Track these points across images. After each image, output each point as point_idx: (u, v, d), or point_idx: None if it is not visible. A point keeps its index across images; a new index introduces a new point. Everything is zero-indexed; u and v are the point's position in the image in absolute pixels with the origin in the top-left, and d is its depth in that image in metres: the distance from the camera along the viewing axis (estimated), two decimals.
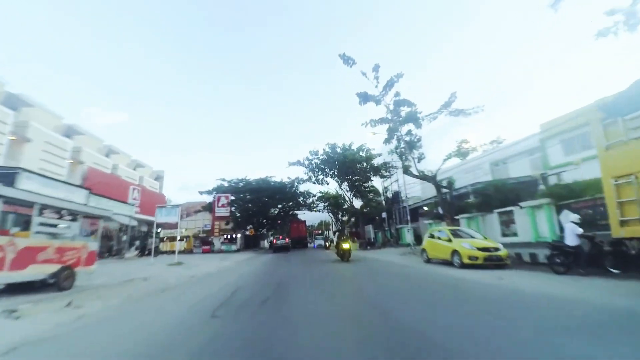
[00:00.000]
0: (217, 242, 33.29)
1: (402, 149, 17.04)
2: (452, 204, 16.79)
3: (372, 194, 43.24)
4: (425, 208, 29.20)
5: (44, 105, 23.31)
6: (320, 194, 48.37)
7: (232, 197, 35.65)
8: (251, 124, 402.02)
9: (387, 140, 17.30)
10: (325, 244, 27.11)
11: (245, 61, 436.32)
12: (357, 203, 37.73)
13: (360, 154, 28.55)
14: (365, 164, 29.20)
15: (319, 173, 32.64)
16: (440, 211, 17.02)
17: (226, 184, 38.40)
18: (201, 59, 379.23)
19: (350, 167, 29.20)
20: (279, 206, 41.38)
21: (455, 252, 10.51)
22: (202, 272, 12.21)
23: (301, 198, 42.00)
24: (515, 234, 13.46)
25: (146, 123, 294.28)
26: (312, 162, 31.26)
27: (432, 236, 13.07)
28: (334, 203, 49.38)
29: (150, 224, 32.70)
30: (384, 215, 35.36)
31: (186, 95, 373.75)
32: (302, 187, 43.24)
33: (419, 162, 16.69)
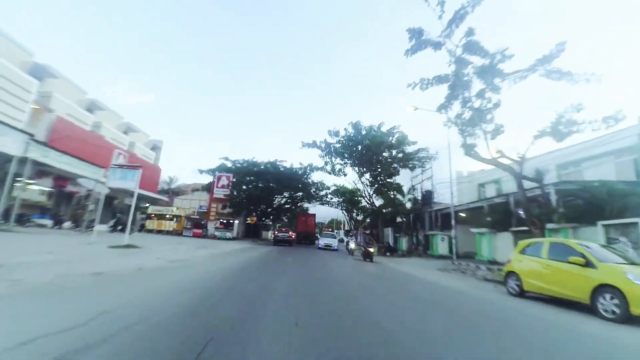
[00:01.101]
0: (211, 227, 28.91)
1: (465, 121, 11.79)
2: (547, 206, 11.44)
3: (395, 192, 37.94)
4: (463, 214, 23.77)
5: (68, 78, 21.65)
6: (335, 188, 43.41)
7: (234, 180, 31.14)
8: (270, 107, 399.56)
9: (443, 107, 12.13)
10: (349, 248, 21.99)
11: (265, 38, 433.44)
12: (376, 202, 32.50)
13: (390, 139, 23.25)
14: (393, 152, 23.89)
15: (337, 159, 27.62)
16: (522, 215, 11.71)
17: (229, 164, 33.99)
18: (218, 42, 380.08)
19: (375, 153, 24.03)
20: (286, 195, 36.63)
21: (603, 290, 5.31)
22: (131, 266, 7.56)
23: (313, 189, 37.07)
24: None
25: (167, 103, 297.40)
26: (330, 145, 26.22)
27: (524, 252, 7.92)
28: (349, 199, 44.29)
29: (138, 197, 28.82)
30: (407, 217, 30.06)
31: (201, 77, 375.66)
32: (316, 177, 38.52)
33: (492, 138, 11.39)
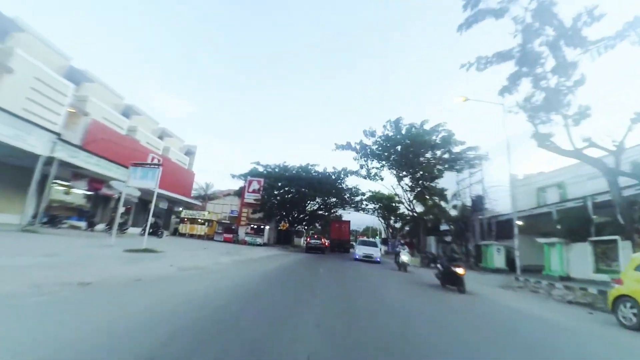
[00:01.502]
0: (242, 232, 28.24)
1: (537, 105, 9.53)
2: None
3: (438, 198, 34.96)
4: (520, 222, 20.63)
5: (105, 83, 22.56)
6: (371, 193, 41.25)
7: (266, 185, 30.38)
8: (304, 109, 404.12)
9: (507, 90, 9.99)
10: (400, 261, 15.53)
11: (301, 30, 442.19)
12: (416, 208, 29.92)
13: (434, 138, 20.92)
14: (438, 153, 21.50)
15: (373, 162, 25.69)
16: (620, 221, 9.17)
17: (261, 169, 33.41)
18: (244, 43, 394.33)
19: (416, 154, 21.82)
20: (318, 200, 35.19)
21: None
22: (130, 274, 6.45)
23: (347, 194, 35.31)
24: None
25: (205, 112, 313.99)
26: (366, 147, 24.43)
27: None
28: (386, 205, 41.85)
29: (172, 201, 29.05)
30: (456, 225, 27.29)
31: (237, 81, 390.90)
32: (350, 182, 36.74)
33: (575, 124, 9.02)
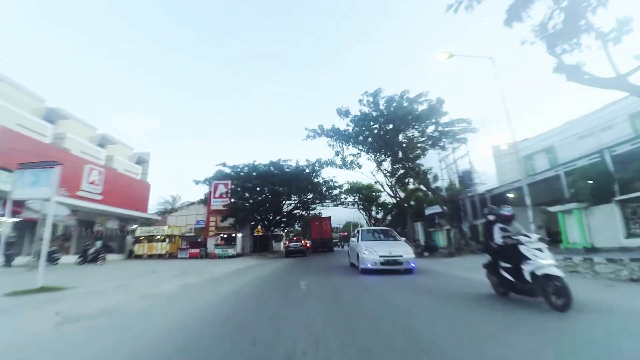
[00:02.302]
0: (211, 244, 24.75)
1: (557, 31, 7.27)
2: None
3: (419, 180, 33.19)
4: (511, 195, 19.06)
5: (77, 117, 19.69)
6: (349, 185, 38.96)
7: (233, 186, 27.00)
8: (271, 107, 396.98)
9: (516, 13, 7.66)
10: None
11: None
12: (401, 194, 27.90)
13: (417, 108, 18.57)
14: (421, 128, 19.32)
15: (349, 146, 23.17)
16: None
17: (228, 171, 29.93)
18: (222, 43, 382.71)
19: (397, 131, 19.53)
20: (294, 198, 32.32)
21: None
22: None
23: (324, 188, 32.66)
24: None
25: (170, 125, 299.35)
26: (340, 131, 21.85)
27: None
28: (366, 196, 39.73)
29: (124, 218, 24.92)
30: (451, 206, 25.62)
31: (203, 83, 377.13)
32: (326, 174, 34.15)
33: (616, 42, 6.83)
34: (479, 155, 52.74)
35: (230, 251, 23.43)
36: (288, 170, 29.91)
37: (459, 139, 18.72)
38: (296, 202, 35.06)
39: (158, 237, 24.79)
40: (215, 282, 9.36)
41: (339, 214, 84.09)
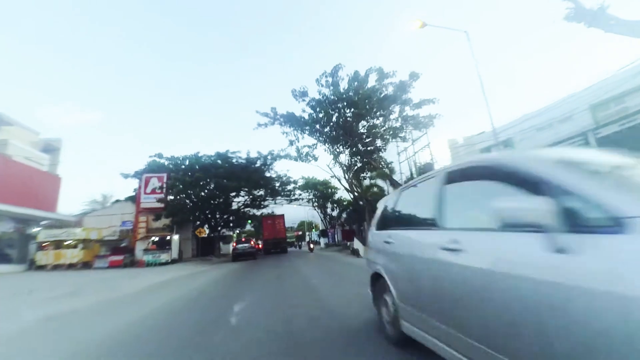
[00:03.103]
0: (141, 249, 20.65)
1: None
2: None
3: (375, 175, 32.08)
4: None
5: None
6: (304, 180, 36.66)
7: (171, 182, 23.02)
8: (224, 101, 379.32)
9: None
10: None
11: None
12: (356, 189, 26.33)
13: (382, 89, 16.74)
14: (384, 112, 17.66)
15: (305, 134, 20.86)
16: None
17: (165, 162, 25.74)
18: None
19: (360, 116, 17.67)
20: (243, 195, 29.19)
21: None
22: None
23: (277, 183, 29.92)
24: None
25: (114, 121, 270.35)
26: (296, 118, 19.43)
27: None
28: (321, 192, 37.80)
29: (20, 219, 19.67)
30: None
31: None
32: (280, 168, 31.44)
33: None
34: (436, 150, 53.92)
35: (164, 257, 19.65)
36: (237, 163, 26.65)
37: (424, 124, 17.37)
38: (246, 199, 31.81)
39: (69, 242, 19.98)
40: (107, 309, 6.33)
41: (293, 213, 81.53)
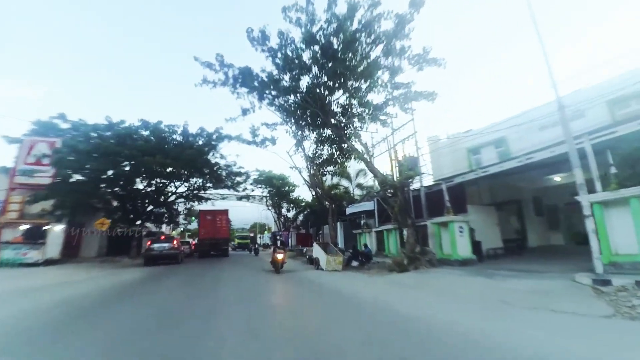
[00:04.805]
0: (11, 240, 13.96)
1: None
2: None
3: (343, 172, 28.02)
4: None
5: None
6: (258, 174, 31.40)
7: (69, 152, 16.40)
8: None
9: None
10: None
11: None
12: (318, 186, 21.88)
13: (371, 23, 12.12)
14: (372, 80, 13.37)
15: (265, 102, 16.00)
16: None
17: (66, 126, 19.03)
18: None
19: (337, 77, 13.22)
20: (176, 184, 23.40)
21: None
22: None
23: (223, 172, 24.41)
24: None
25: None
26: (252, 74, 14.53)
27: None
28: (278, 189, 32.78)
29: None
30: (402, 199, 20.87)
31: None
32: (229, 151, 25.81)
33: None
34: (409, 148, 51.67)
35: (32, 255, 13.27)
36: (169, 138, 20.70)
37: (415, 98, 13.42)
38: (186, 189, 25.71)
39: None
40: None
41: (243, 212, 74.63)
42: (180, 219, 36.65)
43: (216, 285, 8.46)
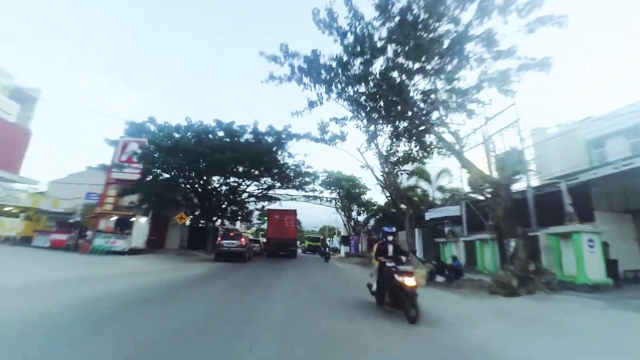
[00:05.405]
0: (95, 230, 15.61)
1: None
2: None
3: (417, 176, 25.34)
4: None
5: None
6: (326, 175, 30.53)
7: (154, 151, 17.85)
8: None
9: None
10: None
11: None
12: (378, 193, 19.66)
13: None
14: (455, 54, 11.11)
15: (333, 93, 14.83)
16: None
17: (153, 128, 20.87)
18: None
19: (419, 55, 11.27)
20: (250, 183, 23.86)
21: None
22: None
23: (291, 171, 24.14)
24: None
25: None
26: (319, 62, 13.52)
27: None
28: (347, 191, 31.43)
29: None
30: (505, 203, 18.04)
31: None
32: (297, 150, 25.58)
33: None
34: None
35: (120, 244, 14.43)
36: (238, 137, 21.03)
37: (518, 71, 10.55)
38: (257, 188, 26.32)
39: (9, 209, 15.43)
40: None
41: (312, 215, 75.17)
42: (254, 218, 38.16)
43: (279, 271, 7.39)
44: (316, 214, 71.74)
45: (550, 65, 10.48)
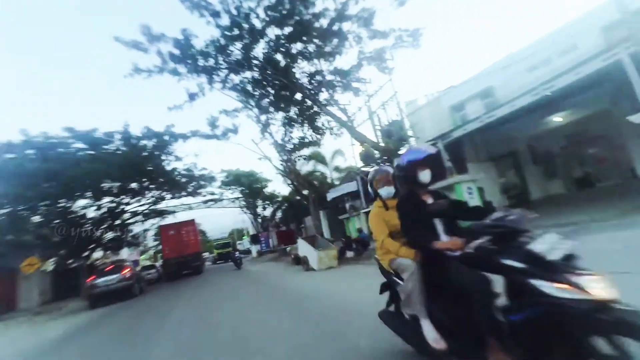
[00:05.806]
0: None
1: None
2: None
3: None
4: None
5: None
6: (224, 175, 28.41)
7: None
8: None
9: None
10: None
11: None
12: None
13: None
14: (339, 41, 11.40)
15: (217, 83, 13.41)
16: None
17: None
18: None
19: (298, 37, 11.06)
20: (124, 200, 20.16)
21: None
22: None
23: (179, 176, 21.43)
24: None
25: None
26: (194, 50, 11.93)
27: None
28: (248, 187, 30.03)
29: None
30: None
31: None
32: (186, 150, 22.67)
33: None
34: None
35: None
36: (113, 151, 17.19)
37: (392, 48, 11.60)
38: (144, 203, 22.33)
39: None
40: None
41: (217, 221, 70.04)
42: (150, 239, 32.93)
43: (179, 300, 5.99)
44: (222, 219, 66.81)
45: (420, 36, 11.79)
